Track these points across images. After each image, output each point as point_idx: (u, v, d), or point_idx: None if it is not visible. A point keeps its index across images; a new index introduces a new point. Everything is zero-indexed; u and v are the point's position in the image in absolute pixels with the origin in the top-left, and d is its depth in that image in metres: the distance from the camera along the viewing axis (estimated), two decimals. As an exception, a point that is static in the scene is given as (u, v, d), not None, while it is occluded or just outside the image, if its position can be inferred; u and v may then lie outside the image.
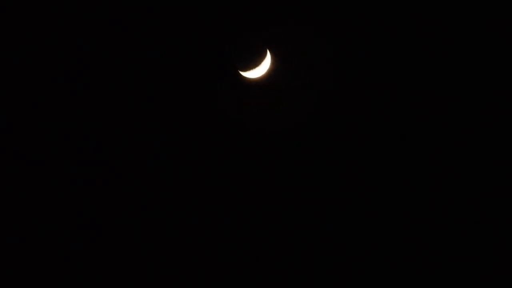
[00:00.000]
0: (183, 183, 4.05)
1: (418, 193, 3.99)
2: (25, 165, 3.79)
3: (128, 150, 3.97)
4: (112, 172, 3.94)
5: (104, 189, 3.92)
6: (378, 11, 3.85)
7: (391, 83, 3.95)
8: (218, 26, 3.95)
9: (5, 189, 3.75)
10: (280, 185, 4.13)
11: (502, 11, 3.71)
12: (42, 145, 3.83)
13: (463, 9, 3.76)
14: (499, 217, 3.86)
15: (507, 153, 3.86)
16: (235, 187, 4.11)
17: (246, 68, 3.73)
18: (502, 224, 3.85)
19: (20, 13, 3.74)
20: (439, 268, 3.89)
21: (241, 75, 3.77)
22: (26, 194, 3.79)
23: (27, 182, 3.79)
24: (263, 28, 3.94)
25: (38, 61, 3.81)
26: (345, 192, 4.08)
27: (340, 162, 4.09)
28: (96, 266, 3.82)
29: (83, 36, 3.85)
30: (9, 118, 3.79)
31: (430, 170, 3.98)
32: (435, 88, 3.91)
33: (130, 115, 3.97)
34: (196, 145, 4.07)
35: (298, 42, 3.85)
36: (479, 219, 3.89)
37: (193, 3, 3.87)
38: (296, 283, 3.98)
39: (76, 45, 3.85)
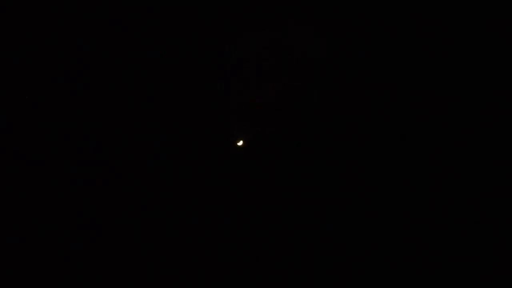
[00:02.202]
0: (183, 183, 4.05)
1: (418, 193, 3.99)
2: (25, 165, 3.79)
3: (128, 150, 3.97)
4: (112, 172, 3.94)
5: (104, 189, 3.92)
6: (377, 11, 3.85)
7: (391, 83, 3.95)
8: (218, 26, 3.95)
9: (5, 189, 3.75)
10: (280, 186, 4.13)
11: (502, 11, 3.71)
12: (42, 145, 3.83)
13: (463, 9, 3.76)
14: (499, 217, 3.86)
15: (507, 153, 3.86)
16: (235, 188, 4.11)
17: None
18: (502, 224, 3.84)
19: (20, 13, 3.74)
20: (439, 268, 3.89)
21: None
22: (26, 194, 3.79)
23: (27, 182, 3.79)
24: (262, 28, 3.94)
25: (38, 61, 3.82)
26: (344, 193, 4.08)
27: (340, 163, 4.09)
28: (96, 266, 3.82)
29: (83, 36, 3.85)
30: (9, 118, 3.79)
31: (430, 170, 3.97)
32: (435, 88, 3.92)
33: (130, 115, 3.97)
34: (195, 146, 4.07)
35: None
36: (479, 219, 3.89)
37: (193, 3, 3.88)
38: (296, 283, 3.98)
39: (76, 45, 3.85)
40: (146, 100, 3.98)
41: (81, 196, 3.88)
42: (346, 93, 4.01)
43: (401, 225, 3.99)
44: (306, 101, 4.06)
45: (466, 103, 3.88)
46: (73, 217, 3.86)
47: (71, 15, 3.79)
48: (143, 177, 3.99)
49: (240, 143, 3.80)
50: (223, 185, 4.10)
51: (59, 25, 3.80)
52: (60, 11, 3.78)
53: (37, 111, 3.83)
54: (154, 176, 4.00)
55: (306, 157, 4.10)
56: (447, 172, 3.95)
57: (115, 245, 3.89)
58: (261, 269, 3.98)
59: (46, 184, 3.83)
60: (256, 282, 3.96)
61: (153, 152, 4.01)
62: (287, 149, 4.12)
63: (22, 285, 3.68)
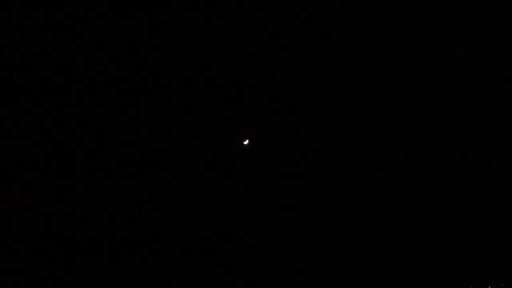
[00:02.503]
0: (183, 184, 4.06)
1: (418, 193, 4.00)
2: (25, 165, 3.78)
3: (129, 150, 3.97)
4: (112, 172, 3.95)
5: (104, 189, 3.92)
6: (377, 11, 3.87)
7: (391, 83, 3.96)
8: (218, 26, 3.96)
9: (5, 189, 3.75)
10: (280, 186, 4.14)
11: (502, 11, 3.73)
12: (42, 145, 3.83)
13: (463, 9, 3.78)
14: (499, 217, 3.88)
15: (507, 153, 3.88)
16: (234, 188, 4.12)
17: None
18: (502, 224, 3.86)
19: (20, 13, 3.74)
20: (439, 268, 3.91)
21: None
22: (26, 194, 3.79)
23: (27, 182, 3.79)
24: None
25: (38, 61, 3.82)
26: (345, 193, 4.09)
27: (340, 163, 4.10)
28: (96, 266, 3.82)
29: (83, 36, 3.86)
30: (9, 118, 3.79)
31: (430, 170, 3.99)
32: (435, 88, 3.93)
33: (130, 115, 3.98)
34: (196, 146, 4.08)
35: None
36: (479, 219, 3.91)
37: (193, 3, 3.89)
38: (296, 283, 3.99)
39: (76, 45, 3.86)
40: (146, 100, 3.98)
41: (81, 196, 3.89)
42: (346, 93, 4.02)
43: (401, 225, 4.01)
44: (306, 101, 4.08)
45: (466, 103, 3.90)
46: (72, 216, 3.86)
47: (71, 15, 3.79)
48: (143, 178, 3.99)
49: (246, 142, 3.81)
50: (223, 185, 4.10)
51: (59, 25, 3.80)
52: (60, 11, 3.79)
53: (37, 111, 3.83)
54: (154, 176, 4.01)
55: (306, 157, 4.11)
56: (447, 172, 3.97)
57: (115, 245, 3.89)
58: (261, 269, 3.99)
59: (46, 184, 3.83)
60: (256, 282, 3.97)
61: (153, 152, 4.01)
62: (287, 149, 4.13)
63: (22, 285, 3.68)
